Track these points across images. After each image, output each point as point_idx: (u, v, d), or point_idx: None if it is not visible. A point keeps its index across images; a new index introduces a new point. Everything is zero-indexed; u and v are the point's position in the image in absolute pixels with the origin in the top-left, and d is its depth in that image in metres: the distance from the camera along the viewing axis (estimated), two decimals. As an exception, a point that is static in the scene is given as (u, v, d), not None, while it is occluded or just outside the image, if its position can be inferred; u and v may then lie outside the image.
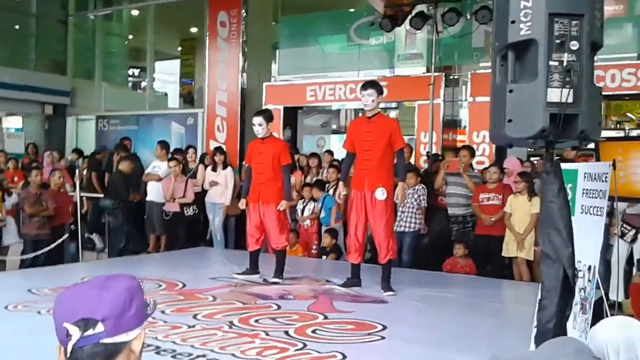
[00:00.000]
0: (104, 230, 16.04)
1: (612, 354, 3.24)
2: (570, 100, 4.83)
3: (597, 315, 5.32)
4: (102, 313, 2.08)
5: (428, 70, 15.33)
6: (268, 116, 10.47)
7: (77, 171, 15.69)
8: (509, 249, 11.55)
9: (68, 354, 2.07)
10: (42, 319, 7.54)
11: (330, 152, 15.73)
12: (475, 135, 14.37)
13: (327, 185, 13.54)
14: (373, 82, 10.07)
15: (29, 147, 19.29)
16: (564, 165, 5.50)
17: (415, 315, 8.55)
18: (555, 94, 4.84)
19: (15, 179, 16.05)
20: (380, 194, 9.45)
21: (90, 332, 2.07)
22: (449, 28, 14.32)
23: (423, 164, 14.54)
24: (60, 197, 13.60)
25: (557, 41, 4.87)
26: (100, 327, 2.08)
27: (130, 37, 26.22)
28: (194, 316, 7.92)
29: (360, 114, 21.65)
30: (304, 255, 13.02)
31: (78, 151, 18.91)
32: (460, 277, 11.45)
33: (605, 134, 15.68)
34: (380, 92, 9.68)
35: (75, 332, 2.06)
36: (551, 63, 4.88)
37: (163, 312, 7.91)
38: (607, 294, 8.08)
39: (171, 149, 16.21)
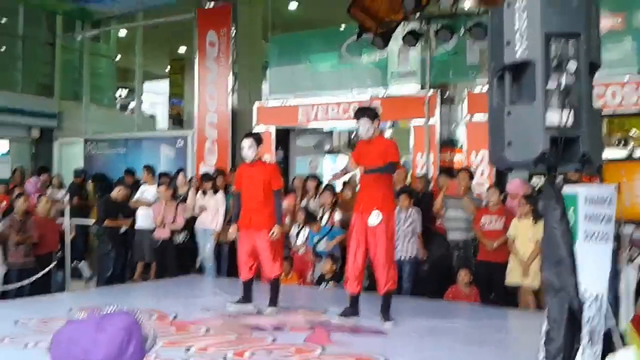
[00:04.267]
0: (89, 257, 15.87)
1: None
2: (570, 122, 4.79)
3: (608, 347, 5.17)
4: (98, 357, 2.01)
5: (422, 89, 15.06)
6: (257, 138, 10.18)
7: (65, 198, 15.36)
8: (513, 276, 11.16)
9: None
10: (28, 354, 7.41)
11: (314, 178, 15.02)
12: (473, 155, 14.07)
13: (322, 209, 13.20)
14: (364, 109, 9.78)
15: (16, 172, 18.94)
16: (564, 189, 5.28)
17: (416, 346, 8.30)
18: (555, 117, 4.80)
19: (3, 203, 15.76)
20: (374, 217, 9.11)
21: None
22: (442, 45, 14.04)
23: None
24: (47, 224, 13.31)
25: (554, 62, 4.80)
26: None
27: (118, 57, 26.01)
28: (187, 349, 7.68)
29: (353, 134, 21.52)
30: (299, 284, 12.64)
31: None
32: (462, 305, 11.10)
33: (609, 151, 15.45)
34: (373, 117, 9.36)
35: None
36: (549, 84, 4.82)
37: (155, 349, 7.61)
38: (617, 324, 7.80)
39: (161, 172, 15.97)
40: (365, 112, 9.47)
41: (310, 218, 13.04)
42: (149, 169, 15.51)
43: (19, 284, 12.30)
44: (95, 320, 2.07)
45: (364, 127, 9.23)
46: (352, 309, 9.53)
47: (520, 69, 4.93)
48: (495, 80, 5.16)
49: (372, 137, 9.38)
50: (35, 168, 20.62)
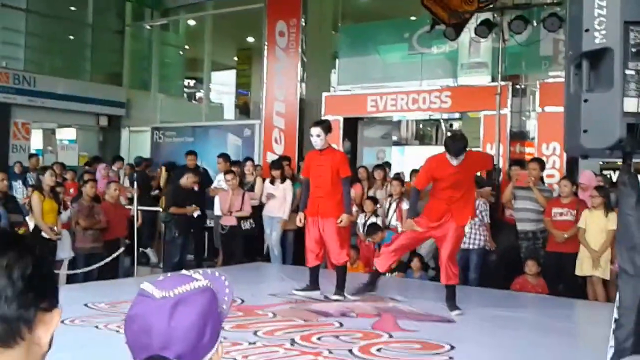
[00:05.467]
0: (156, 244, 15.98)
1: None
2: (647, 110, 4.57)
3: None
4: (175, 351, 1.85)
5: (493, 80, 14.86)
6: (326, 127, 10.02)
7: (134, 184, 15.39)
8: (583, 267, 10.92)
9: None
10: (100, 333, 7.57)
11: (382, 167, 14.86)
12: (544, 147, 13.83)
13: (389, 199, 13.10)
14: (460, 146, 9.10)
15: (93, 160, 19.07)
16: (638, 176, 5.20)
17: (484, 335, 8.27)
18: (632, 104, 4.62)
19: (72, 190, 15.85)
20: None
21: None
22: (515, 36, 13.81)
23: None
24: (116, 210, 13.34)
25: (633, 49, 4.66)
26: None
27: (187, 47, 26.06)
28: (255, 333, 7.65)
29: (421, 125, 21.38)
30: (365, 272, 12.44)
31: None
32: (530, 296, 10.93)
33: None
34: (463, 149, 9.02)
35: None
36: (627, 72, 4.65)
37: (223, 328, 7.59)
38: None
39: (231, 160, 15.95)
40: (460, 148, 8.95)
41: (373, 229, 12.82)
42: (225, 157, 15.38)
43: (86, 269, 12.35)
44: (168, 306, 1.88)
45: (457, 161, 8.99)
46: (371, 286, 9.87)
47: (598, 56, 4.75)
48: (573, 68, 5.01)
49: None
50: (103, 156, 20.76)
